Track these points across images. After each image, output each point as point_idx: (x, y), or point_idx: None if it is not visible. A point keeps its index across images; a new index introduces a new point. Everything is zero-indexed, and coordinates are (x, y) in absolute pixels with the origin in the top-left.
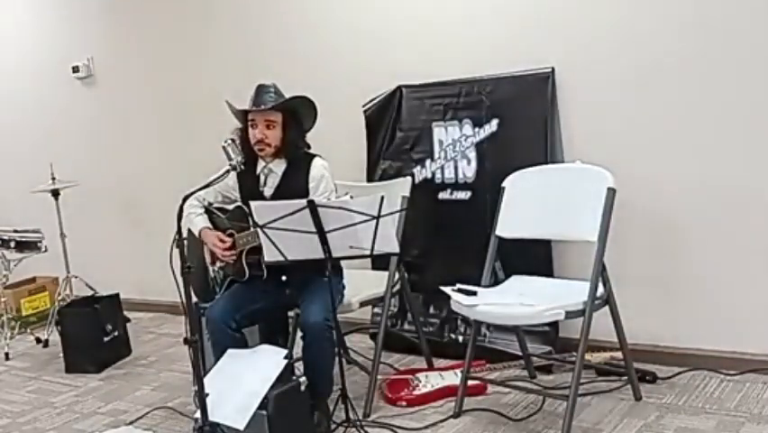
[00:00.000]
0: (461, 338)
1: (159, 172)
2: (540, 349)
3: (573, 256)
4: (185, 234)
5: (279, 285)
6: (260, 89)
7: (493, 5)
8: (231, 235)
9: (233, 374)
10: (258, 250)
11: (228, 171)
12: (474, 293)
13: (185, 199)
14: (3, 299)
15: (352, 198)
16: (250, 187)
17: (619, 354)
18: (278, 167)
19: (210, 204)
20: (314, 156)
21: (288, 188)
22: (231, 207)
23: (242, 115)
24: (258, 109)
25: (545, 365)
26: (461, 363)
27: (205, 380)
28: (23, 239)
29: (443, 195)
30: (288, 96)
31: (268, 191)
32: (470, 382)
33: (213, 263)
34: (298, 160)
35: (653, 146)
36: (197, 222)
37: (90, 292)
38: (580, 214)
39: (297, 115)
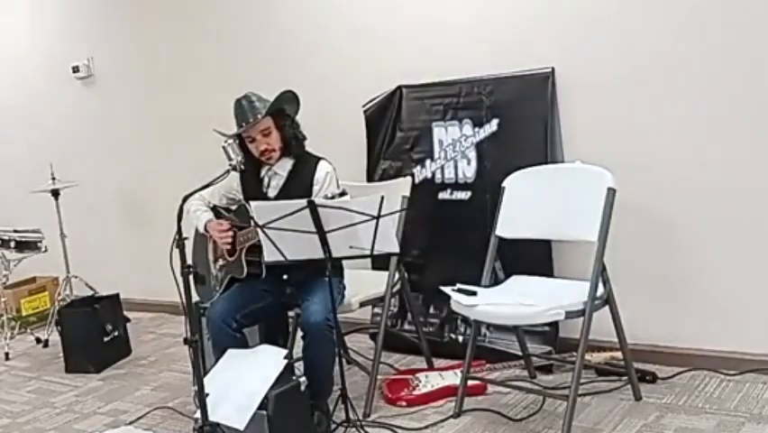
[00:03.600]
0: (461, 338)
1: (159, 172)
2: (540, 349)
3: (573, 256)
4: (185, 235)
5: (280, 284)
6: (241, 104)
7: (493, 5)
8: (232, 229)
9: (233, 374)
10: (258, 248)
11: (228, 171)
12: (474, 293)
13: (185, 200)
14: (3, 299)
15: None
16: (253, 189)
17: (619, 354)
18: (283, 168)
19: (215, 206)
20: (320, 159)
21: (291, 189)
22: (235, 207)
23: (237, 136)
24: (249, 126)
25: (545, 365)
26: (461, 363)
27: (205, 380)
28: (23, 239)
29: (443, 195)
30: (264, 96)
31: (272, 192)
32: (470, 382)
33: (216, 261)
34: (304, 159)
35: (652, 146)
36: (203, 217)
37: (90, 292)
38: (580, 214)
39: (283, 109)
